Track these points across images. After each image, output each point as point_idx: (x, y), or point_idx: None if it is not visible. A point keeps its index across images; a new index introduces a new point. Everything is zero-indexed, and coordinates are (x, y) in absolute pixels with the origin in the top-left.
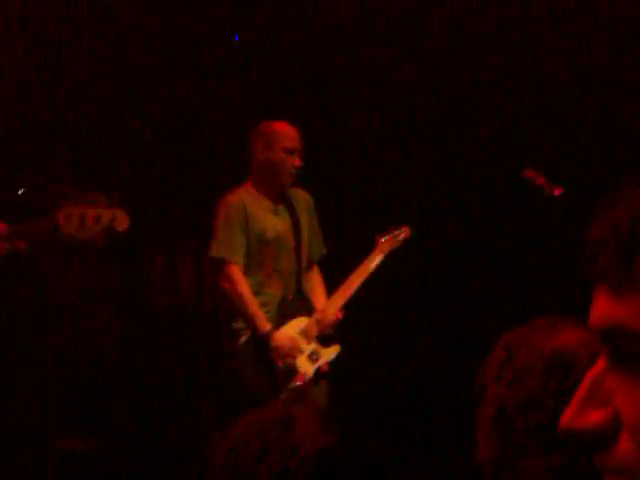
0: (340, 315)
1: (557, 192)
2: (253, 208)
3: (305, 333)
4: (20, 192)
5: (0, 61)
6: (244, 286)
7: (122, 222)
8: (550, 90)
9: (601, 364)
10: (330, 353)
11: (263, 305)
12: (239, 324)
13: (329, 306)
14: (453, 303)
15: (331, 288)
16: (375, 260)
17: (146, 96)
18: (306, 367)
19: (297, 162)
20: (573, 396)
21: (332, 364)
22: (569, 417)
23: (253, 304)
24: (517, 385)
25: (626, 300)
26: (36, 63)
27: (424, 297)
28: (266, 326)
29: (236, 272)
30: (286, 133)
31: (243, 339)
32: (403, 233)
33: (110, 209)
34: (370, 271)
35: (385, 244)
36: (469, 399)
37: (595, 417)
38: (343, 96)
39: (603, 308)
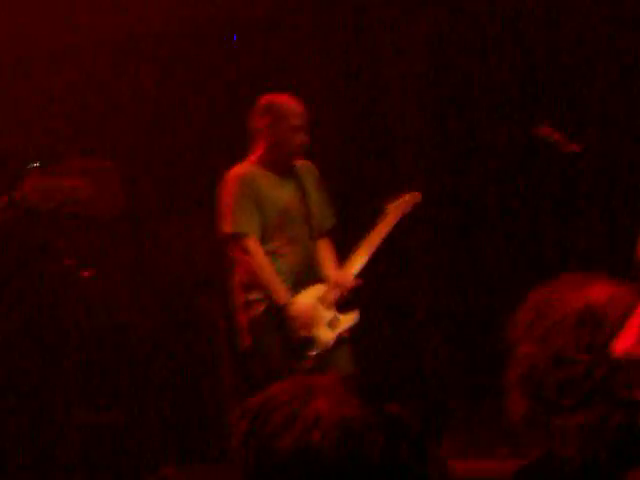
0: (356, 282)
1: (574, 149)
2: (261, 181)
3: (323, 301)
4: (32, 165)
5: None
6: (262, 257)
7: (83, 191)
8: (566, 45)
9: None
10: (349, 319)
11: (278, 275)
12: (255, 295)
13: (344, 273)
14: (471, 263)
15: (346, 255)
16: (387, 226)
17: (161, 64)
18: (326, 334)
19: (304, 139)
20: (629, 325)
21: (352, 329)
22: (629, 345)
23: (272, 275)
24: (548, 341)
25: None
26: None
27: (440, 260)
28: (286, 296)
29: (253, 244)
30: (292, 110)
31: (261, 310)
32: (413, 198)
33: (71, 178)
34: (383, 237)
35: (396, 210)
36: (495, 358)
37: None
38: (346, 63)
39: None
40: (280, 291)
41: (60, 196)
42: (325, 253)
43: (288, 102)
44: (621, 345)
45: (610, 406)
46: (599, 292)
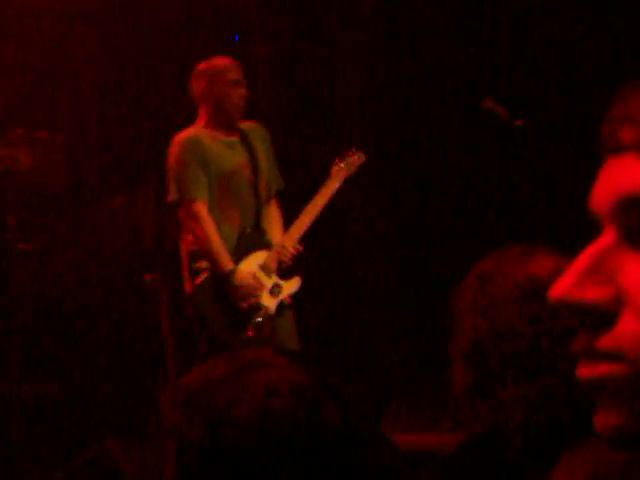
0: (299, 247)
1: (517, 123)
2: (207, 143)
3: (265, 267)
4: None
5: None
6: (209, 224)
7: (24, 162)
8: (512, 20)
9: (605, 240)
10: (291, 286)
11: (222, 240)
12: (201, 264)
13: (288, 238)
14: (415, 231)
15: (289, 219)
16: (331, 188)
17: (109, 36)
18: (268, 302)
19: (243, 92)
20: (569, 268)
21: (294, 296)
22: (566, 288)
23: (217, 242)
24: (492, 314)
25: None
26: None
27: (385, 224)
28: (229, 265)
29: (201, 209)
30: (226, 66)
31: (202, 278)
32: (358, 158)
33: (11, 150)
34: (327, 199)
35: (340, 171)
36: (437, 327)
37: (596, 292)
38: (296, 20)
39: (631, 176)
40: (224, 259)
41: (0, 166)
42: (272, 218)
43: (221, 60)
44: (557, 289)
45: (554, 380)
46: (543, 264)
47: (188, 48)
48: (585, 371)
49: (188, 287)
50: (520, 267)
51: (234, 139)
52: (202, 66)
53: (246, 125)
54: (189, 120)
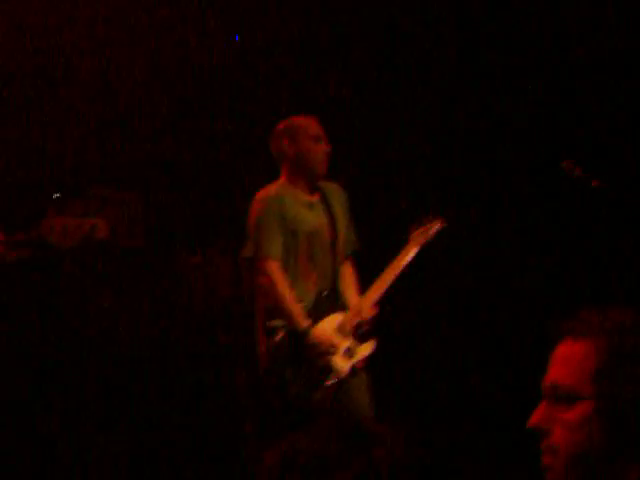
0: (375, 311)
1: (595, 184)
2: (289, 202)
3: (341, 329)
4: (55, 196)
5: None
6: (283, 282)
7: (102, 230)
8: (592, 79)
9: None
10: (365, 349)
11: (299, 301)
12: (276, 322)
13: (364, 302)
14: (490, 294)
15: (365, 282)
16: (409, 253)
17: (184, 95)
18: (341, 364)
19: (326, 147)
20: None
21: (368, 360)
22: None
23: (292, 300)
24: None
25: None
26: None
27: (462, 290)
28: (304, 323)
29: (275, 268)
30: (307, 123)
31: (279, 337)
32: (436, 225)
33: (90, 219)
34: (404, 264)
35: (419, 236)
36: (512, 388)
37: None
38: (366, 86)
39: None
40: (300, 318)
41: (79, 235)
42: (347, 279)
43: (302, 118)
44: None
45: None
46: None
47: (268, 109)
48: None
49: (262, 345)
50: None
51: (315, 199)
52: (282, 124)
53: (326, 185)
54: (270, 179)
